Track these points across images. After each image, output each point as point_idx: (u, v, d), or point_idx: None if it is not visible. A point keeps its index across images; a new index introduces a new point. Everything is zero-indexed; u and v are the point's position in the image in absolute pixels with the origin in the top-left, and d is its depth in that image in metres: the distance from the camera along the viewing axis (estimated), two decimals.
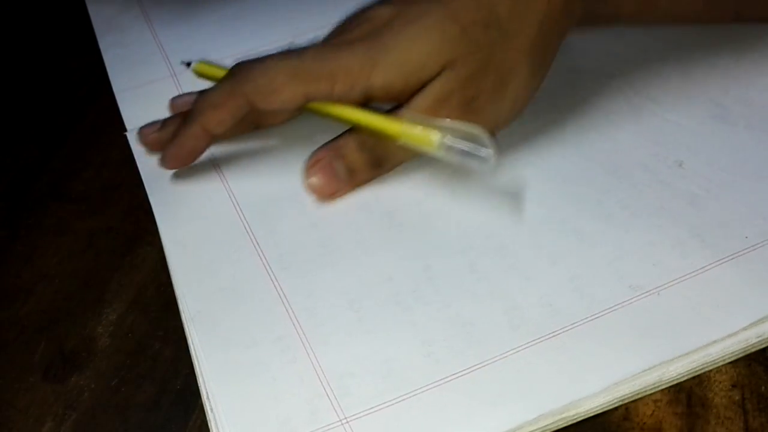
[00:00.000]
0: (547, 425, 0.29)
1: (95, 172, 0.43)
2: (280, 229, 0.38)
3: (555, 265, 0.34)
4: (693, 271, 0.33)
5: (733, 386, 0.31)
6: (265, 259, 0.36)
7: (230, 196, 0.39)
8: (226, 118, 0.37)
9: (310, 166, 0.38)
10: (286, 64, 0.36)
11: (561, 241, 0.35)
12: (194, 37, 0.51)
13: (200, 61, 0.42)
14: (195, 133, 0.38)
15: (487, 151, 0.34)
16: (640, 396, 0.30)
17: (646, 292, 0.33)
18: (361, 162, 0.38)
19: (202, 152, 0.40)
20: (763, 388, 0.30)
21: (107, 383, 0.33)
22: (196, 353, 0.33)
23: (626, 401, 0.30)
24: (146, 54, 0.50)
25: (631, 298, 0.33)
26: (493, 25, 0.35)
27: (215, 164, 0.41)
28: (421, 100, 0.36)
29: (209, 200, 0.39)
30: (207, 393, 0.31)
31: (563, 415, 0.29)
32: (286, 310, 0.34)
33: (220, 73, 0.40)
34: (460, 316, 0.33)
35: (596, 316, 0.32)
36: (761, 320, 0.31)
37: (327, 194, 0.38)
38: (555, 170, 0.38)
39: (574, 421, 0.30)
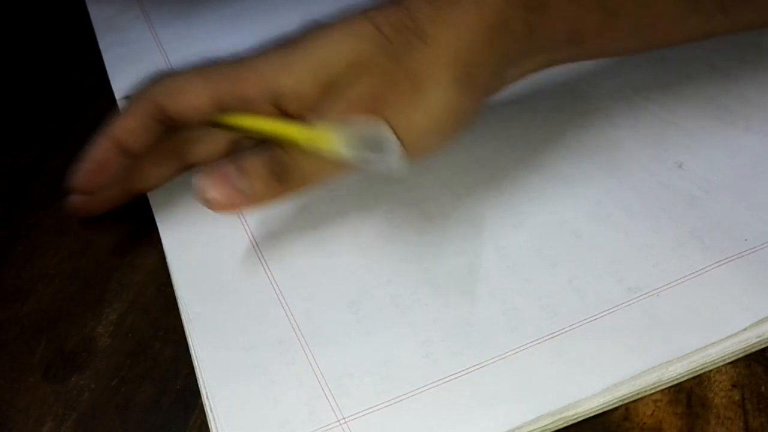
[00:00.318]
0: (547, 425, 0.29)
1: None
2: (279, 230, 0.37)
3: (554, 266, 0.34)
4: (692, 273, 0.33)
5: (733, 386, 0.31)
6: (264, 260, 0.36)
7: None
8: (133, 125, 0.35)
9: (206, 176, 0.33)
10: (199, 68, 0.35)
11: (560, 242, 0.35)
12: (194, 37, 0.51)
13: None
14: (102, 145, 0.36)
15: (391, 148, 0.32)
16: (639, 396, 0.30)
17: (645, 293, 0.33)
18: (263, 175, 0.33)
19: (114, 170, 0.37)
20: (763, 388, 0.30)
21: (107, 383, 0.33)
22: (195, 354, 0.33)
23: (626, 401, 0.30)
24: (146, 54, 0.50)
25: (630, 300, 0.33)
26: (410, 30, 0.33)
27: None
28: (330, 105, 0.33)
29: None
30: (206, 393, 0.31)
31: (563, 416, 0.29)
32: (285, 313, 0.34)
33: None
34: (459, 317, 0.33)
35: (595, 317, 0.32)
36: (761, 321, 0.31)
37: (223, 208, 0.34)
38: (554, 171, 0.38)
39: (574, 421, 0.30)
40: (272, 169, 0.33)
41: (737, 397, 0.30)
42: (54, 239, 0.40)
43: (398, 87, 0.33)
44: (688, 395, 0.30)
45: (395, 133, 0.33)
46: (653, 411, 0.30)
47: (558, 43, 0.36)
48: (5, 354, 0.34)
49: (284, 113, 0.34)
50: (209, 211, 0.38)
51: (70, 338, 0.35)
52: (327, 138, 0.33)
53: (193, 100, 0.34)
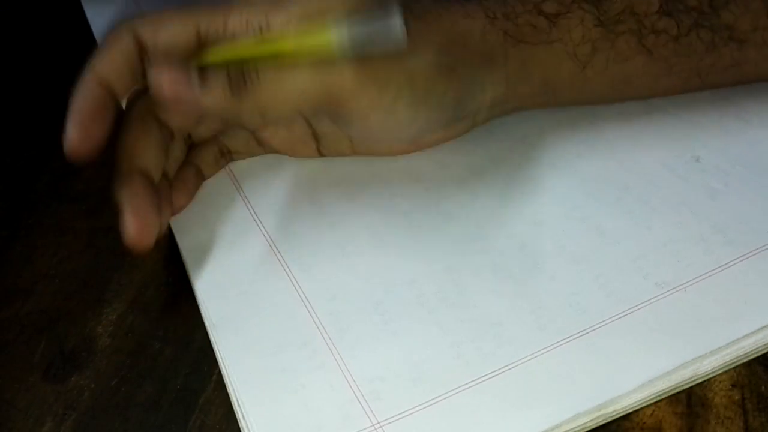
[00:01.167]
0: (585, 423, 0.29)
1: (95, 172, 0.43)
2: (296, 231, 0.37)
3: (578, 263, 0.34)
4: (718, 267, 0.33)
5: (733, 386, 0.30)
6: (284, 261, 0.35)
7: (244, 200, 0.39)
8: (115, 57, 0.33)
9: (165, 65, 0.32)
10: (181, 6, 0.34)
11: (583, 239, 0.35)
12: None
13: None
14: (86, 82, 0.33)
15: (395, 21, 0.31)
16: (676, 391, 0.30)
17: (673, 288, 0.32)
18: (220, 78, 0.32)
19: (101, 110, 0.34)
20: (763, 388, 0.30)
21: (107, 383, 0.33)
22: (222, 360, 0.32)
23: (663, 396, 0.30)
24: None
25: (658, 296, 0.32)
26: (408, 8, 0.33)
27: (230, 170, 0.41)
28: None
29: (223, 204, 0.39)
30: (237, 401, 0.31)
31: (601, 413, 0.29)
32: (310, 314, 0.33)
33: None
34: (487, 317, 0.32)
35: (624, 314, 0.32)
36: None
37: (167, 94, 0.32)
38: (572, 169, 0.38)
39: (613, 418, 0.29)
40: (232, 79, 0.32)
41: (737, 397, 0.30)
42: (54, 239, 0.40)
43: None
44: (688, 395, 0.30)
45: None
46: (653, 411, 0.30)
47: (533, 87, 0.37)
48: (5, 354, 0.34)
49: None
50: (224, 215, 0.38)
51: (70, 338, 0.35)
52: (326, 36, 0.31)
53: (175, 32, 0.33)
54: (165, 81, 0.32)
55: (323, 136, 0.39)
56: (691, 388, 0.30)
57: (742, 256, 0.33)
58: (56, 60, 0.52)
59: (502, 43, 0.36)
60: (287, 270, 0.35)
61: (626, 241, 0.35)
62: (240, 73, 0.32)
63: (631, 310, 0.32)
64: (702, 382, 0.31)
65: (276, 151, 0.41)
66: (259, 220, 0.38)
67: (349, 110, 0.33)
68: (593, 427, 0.29)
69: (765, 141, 0.38)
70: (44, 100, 0.49)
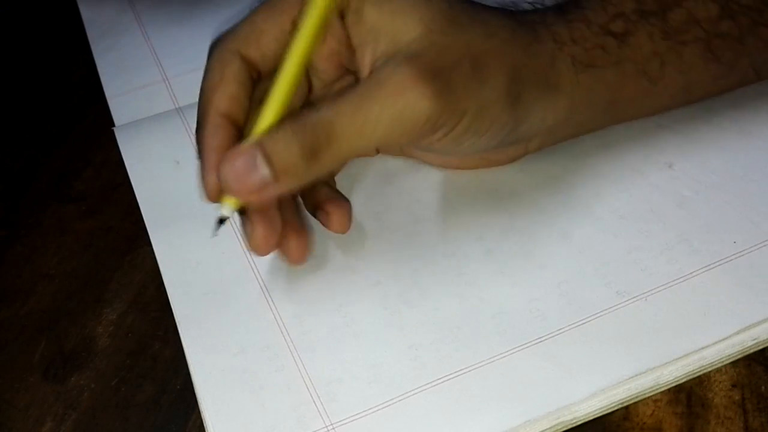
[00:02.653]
0: (544, 430, 0.30)
1: (95, 172, 0.43)
2: None
3: (543, 269, 0.34)
4: (681, 277, 0.33)
5: (733, 386, 0.31)
6: (254, 262, 0.36)
7: None
8: (232, 89, 0.32)
9: (225, 159, 0.30)
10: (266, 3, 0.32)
11: (549, 245, 0.35)
12: (187, 42, 0.51)
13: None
14: (211, 121, 0.31)
15: None
16: (639, 399, 0.30)
17: (633, 297, 0.33)
18: (292, 153, 0.29)
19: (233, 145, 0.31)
20: (763, 388, 0.30)
21: (107, 383, 0.33)
22: (187, 356, 0.33)
23: (625, 404, 0.30)
24: (139, 59, 0.50)
25: (618, 304, 0.33)
26: (478, 20, 0.32)
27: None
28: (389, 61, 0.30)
29: (198, 201, 0.39)
30: (199, 396, 0.32)
31: (559, 420, 0.30)
32: (275, 317, 0.34)
33: None
34: (448, 320, 0.33)
35: (583, 321, 0.32)
36: (756, 323, 0.31)
37: (244, 195, 0.30)
38: (544, 174, 0.38)
39: (573, 425, 0.30)
40: (305, 148, 0.29)
41: (737, 397, 0.30)
42: (54, 239, 0.40)
43: (460, 62, 0.31)
44: (688, 395, 0.30)
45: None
46: (653, 411, 0.30)
47: (596, 111, 0.36)
48: (5, 354, 0.35)
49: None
50: (197, 211, 0.37)
51: (70, 338, 0.35)
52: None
53: (276, 35, 0.32)
54: (235, 184, 0.29)
55: None
56: (691, 388, 0.30)
57: (706, 266, 0.34)
58: (56, 60, 0.52)
59: (571, 70, 0.34)
60: (255, 271, 0.36)
61: (592, 248, 0.35)
62: (313, 136, 0.29)
63: (590, 318, 0.32)
64: (702, 383, 0.31)
65: None
66: (233, 219, 0.38)
67: (422, 140, 0.32)
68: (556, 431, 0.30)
69: (741, 149, 0.38)
70: (44, 100, 0.49)
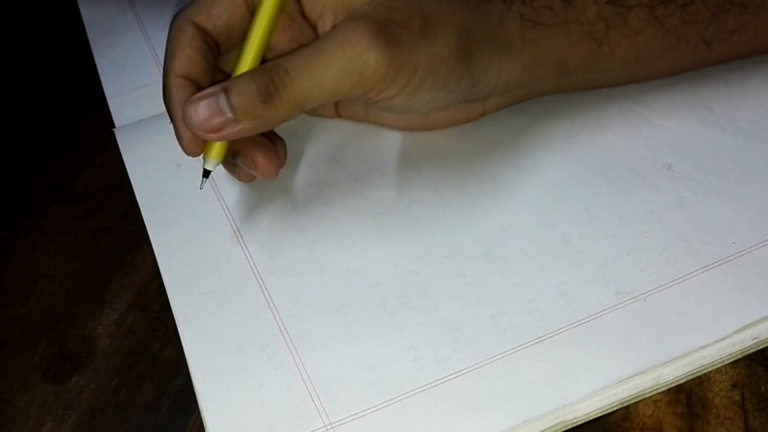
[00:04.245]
0: (544, 430, 0.30)
1: (95, 172, 0.43)
2: (268, 231, 0.38)
3: (542, 270, 0.34)
4: (680, 277, 0.33)
5: (733, 386, 0.31)
6: (253, 262, 0.36)
7: (219, 198, 0.40)
8: (188, 54, 0.34)
9: (191, 100, 0.32)
10: None
11: (549, 246, 0.35)
12: None
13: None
14: (173, 85, 0.34)
15: None
16: (639, 399, 0.30)
17: (633, 298, 0.33)
18: (248, 96, 0.32)
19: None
20: (763, 388, 0.30)
21: (107, 383, 0.33)
22: (187, 356, 0.33)
23: (625, 404, 0.30)
24: (139, 59, 0.50)
25: (618, 304, 0.33)
26: None
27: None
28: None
29: (198, 201, 0.39)
30: (198, 396, 0.32)
31: (558, 420, 0.30)
32: (274, 317, 0.34)
33: None
34: (447, 321, 0.33)
35: (582, 321, 0.32)
36: (756, 323, 0.32)
37: (205, 130, 0.32)
38: (544, 175, 0.38)
39: (573, 425, 0.30)
40: (261, 89, 0.32)
41: (737, 397, 0.30)
42: (54, 239, 0.40)
43: (410, 20, 0.33)
44: (688, 395, 0.30)
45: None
46: (653, 411, 0.30)
47: (548, 71, 0.38)
48: (5, 354, 0.35)
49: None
50: (197, 212, 0.39)
51: (70, 338, 0.35)
52: None
53: (227, 8, 0.34)
54: (198, 121, 0.32)
55: (343, 102, 0.41)
56: (691, 388, 0.30)
57: (705, 267, 0.34)
58: (56, 60, 0.52)
59: (519, 27, 0.36)
60: (255, 271, 0.36)
61: (591, 249, 0.35)
62: (269, 80, 0.32)
63: (589, 318, 0.33)
64: (702, 383, 0.31)
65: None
66: (232, 218, 0.38)
67: (377, 95, 0.34)
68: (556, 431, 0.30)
69: (739, 149, 0.38)
70: (44, 100, 0.49)
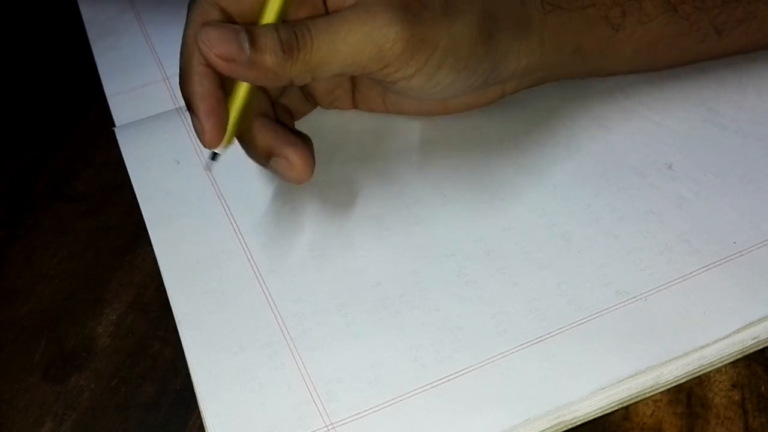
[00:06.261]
0: (544, 430, 0.30)
1: (95, 172, 0.43)
2: (269, 231, 0.38)
3: (543, 270, 0.34)
4: (680, 277, 0.33)
5: (733, 386, 0.31)
6: (254, 261, 0.36)
7: (219, 197, 0.40)
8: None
9: (214, 24, 0.32)
10: None
11: (549, 246, 0.35)
12: None
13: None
14: (195, 65, 0.33)
15: None
16: (639, 398, 0.30)
17: (633, 297, 0.33)
18: (271, 42, 0.32)
19: (219, 90, 0.34)
20: (763, 388, 0.30)
21: (107, 383, 0.33)
22: (187, 355, 0.33)
23: (625, 404, 0.30)
24: (139, 58, 0.50)
25: (618, 304, 0.33)
26: None
27: (205, 166, 0.41)
28: None
29: (198, 200, 0.39)
30: (198, 396, 0.32)
31: (559, 420, 0.30)
32: (274, 316, 0.34)
33: None
34: (448, 321, 0.33)
35: (583, 321, 0.32)
36: (756, 322, 0.32)
37: (217, 57, 0.31)
38: (545, 174, 0.38)
39: (573, 425, 0.30)
40: (283, 43, 0.32)
41: (737, 397, 0.30)
42: (54, 239, 0.40)
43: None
44: (688, 395, 0.30)
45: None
46: (653, 411, 0.30)
47: (564, 55, 0.38)
48: (5, 354, 0.35)
49: None
50: (198, 211, 0.38)
51: (70, 338, 0.35)
52: None
53: None
54: (214, 42, 0.31)
55: (360, 90, 0.41)
56: (691, 388, 0.30)
57: (705, 266, 0.34)
58: (56, 60, 0.52)
59: (540, 10, 0.36)
60: (256, 270, 0.36)
61: (592, 248, 0.35)
62: (292, 33, 0.32)
63: (590, 318, 0.33)
64: (702, 383, 0.31)
65: (316, 104, 0.42)
66: (233, 218, 0.38)
67: (395, 72, 0.34)
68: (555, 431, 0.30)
69: (740, 149, 0.38)
70: (44, 100, 0.49)
